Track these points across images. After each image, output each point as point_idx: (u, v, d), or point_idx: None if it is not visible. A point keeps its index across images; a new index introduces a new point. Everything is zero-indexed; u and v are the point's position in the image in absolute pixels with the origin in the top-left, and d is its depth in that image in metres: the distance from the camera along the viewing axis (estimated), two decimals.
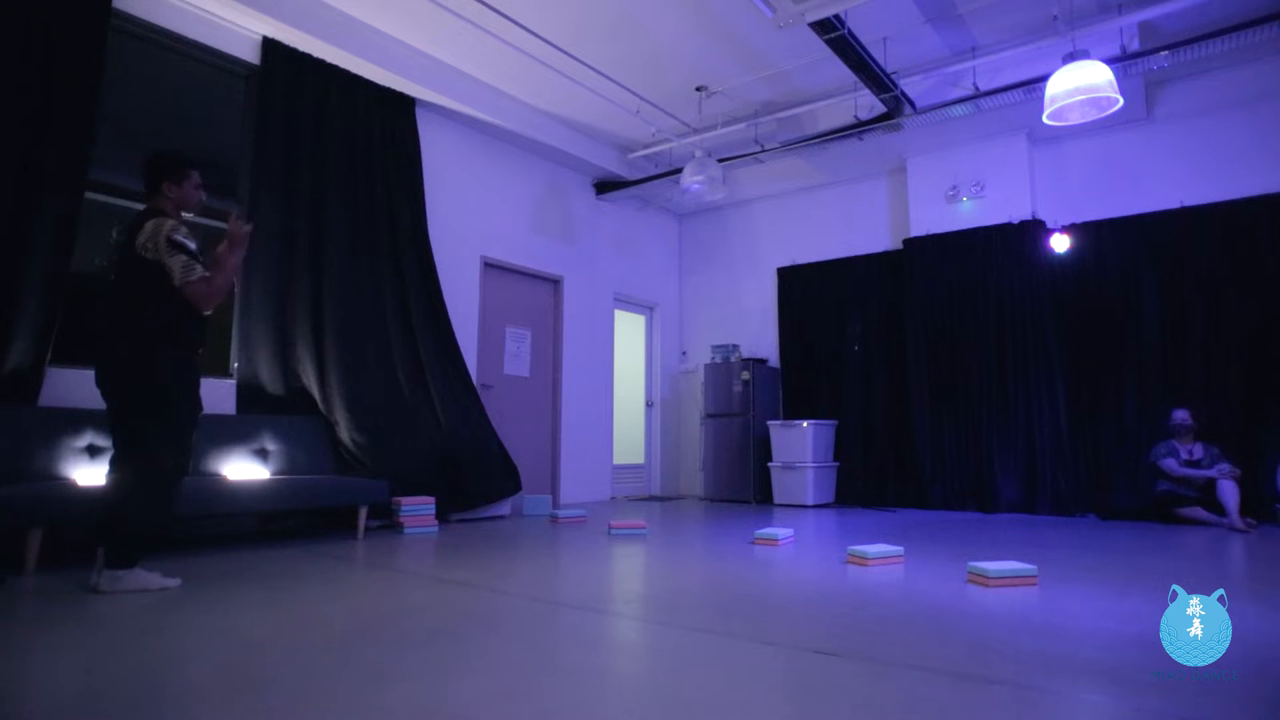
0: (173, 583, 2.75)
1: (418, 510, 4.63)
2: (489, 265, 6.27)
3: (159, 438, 2.71)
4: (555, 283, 6.97)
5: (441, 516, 4.92)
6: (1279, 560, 3.72)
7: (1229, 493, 4.94)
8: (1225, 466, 5.05)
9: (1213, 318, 5.59)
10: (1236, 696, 1.64)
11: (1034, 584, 2.92)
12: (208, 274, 2.77)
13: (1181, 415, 5.33)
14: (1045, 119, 4.58)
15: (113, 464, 2.79)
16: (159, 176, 2.89)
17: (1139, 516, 5.46)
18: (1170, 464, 5.28)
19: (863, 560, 3.41)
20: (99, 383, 2.76)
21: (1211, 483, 5.06)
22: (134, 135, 4.37)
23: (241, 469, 4.12)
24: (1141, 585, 2.95)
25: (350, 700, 1.59)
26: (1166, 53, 4.78)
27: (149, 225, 2.74)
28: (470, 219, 6.11)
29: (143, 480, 2.68)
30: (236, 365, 4.52)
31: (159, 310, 2.72)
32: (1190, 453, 5.29)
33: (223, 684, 1.70)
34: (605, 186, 7.38)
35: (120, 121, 4.22)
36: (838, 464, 7.04)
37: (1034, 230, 6.23)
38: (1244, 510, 4.91)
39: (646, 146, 6.93)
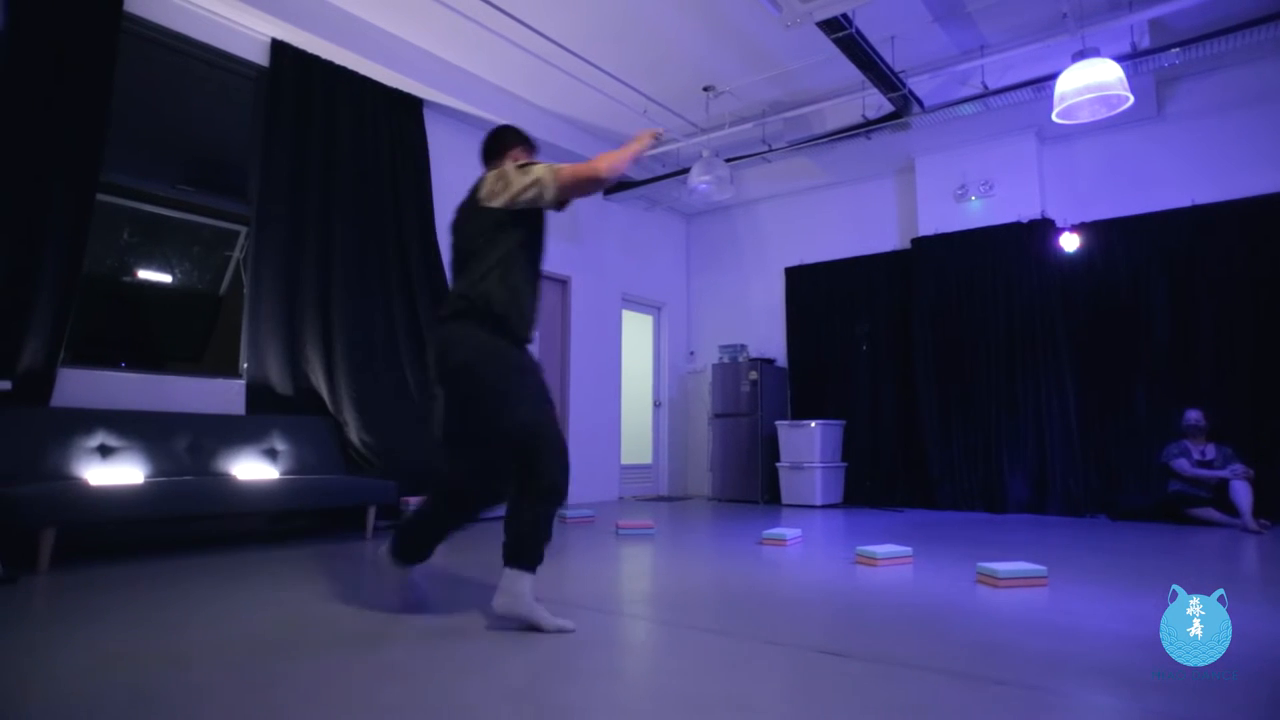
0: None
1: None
2: None
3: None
4: (563, 283, 6.98)
5: None
6: None
7: (1242, 493, 4.90)
8: (1239, 467, 5.01)
9: (1224, 318, 5.54)
10: (1242, 697, 1.63)
11: (1044, 585, 2.90)
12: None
13: (1195, 415, 5.29)
14: (1054, 117, 4.55)
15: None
16: (511, 142, 2.50)
17: (1150, 517, 5.42)
18: (1182, 464, 5.24)
19: (871, 561, 3.40)
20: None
21: (1224, 483, 5.03)
22: (143, 137, 4.40)
23: (251, 469, 4.14)
24: (1152, 586, 2.93)
25: (358, 698, 1.59)
26: (1178, 50, 4.74)
27: (490, 174, 2.32)
28: None
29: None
30: (246, 366, 4.55)
31: (501, 272, 2.24)
32: (1203, 453, 5.25)
33: (231, 682, 1.71)
34: (612, 186, 7.38)
35: (129, 123, 4.25)
36: (845, 464, 7.02)
37: (1043, 229, 6.19)
38: (1257, 511, 4.88)
39: (654, 147, 6.92)
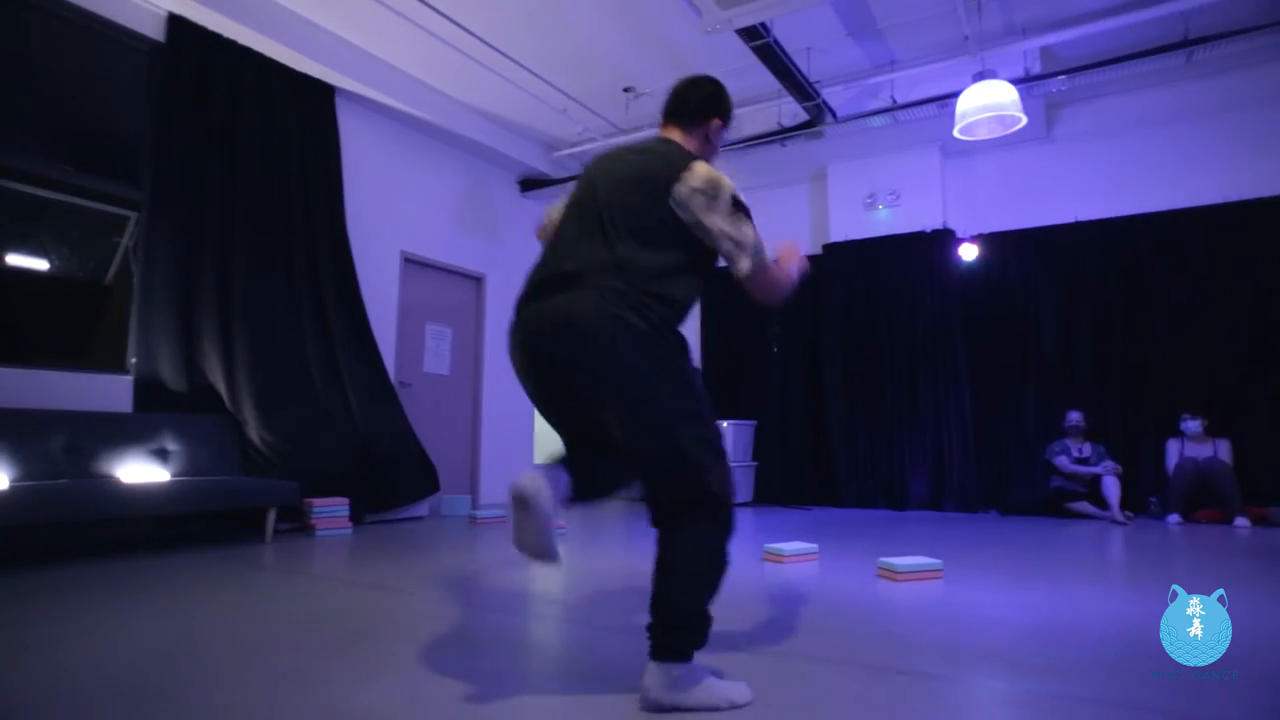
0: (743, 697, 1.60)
1: (330, 512, 4.47)
2: (409, 261, 6.11)
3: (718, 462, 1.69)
4: (478, 280, 6.85)
5: (356, 518, 4.77)
6: (1151, 549, 4.02)
7: (1111, 488, 5.33)
8: (1109, 464, 5.44)
9: (1101, 326, 5.99)
10: (1127, 676, 1.76)
11: (939, 577, 3.06)
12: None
13: (1075, 416, 5.71)
14: (956, 133, 4.81)
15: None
16: (713, 110, 1.93)
17: (1035, 511, 5.80)
18: (1062, 461, 5.64)
19: (778, 558, 3.49)
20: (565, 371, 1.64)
21: (1098, 479, 5.45)
22: (13, 109, 4.04)
23: (138, 470, 3.88)
24: (1035, 576, 3.13)
25: (256, 709, 1.52)
26: (1064, 77, 5.09)
27: (701, 169, 1.70)
28: (390, 213, 5.94)
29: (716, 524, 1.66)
30: (134, 360, 4.25)
31: (684, 291, 1.71)
32: (1080, 451, 5.66)
33: (118, 699, 1.60)
34: (530, 184, 7.30)
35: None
36: (756, 463, 7.18)
37: (944, 239, 6.52)
38: (1123, 504, 5.31)
39: (573, 145, 6.90)
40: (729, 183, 1.70)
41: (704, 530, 1.61)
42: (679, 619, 1.57)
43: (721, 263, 1.77)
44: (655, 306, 1.61)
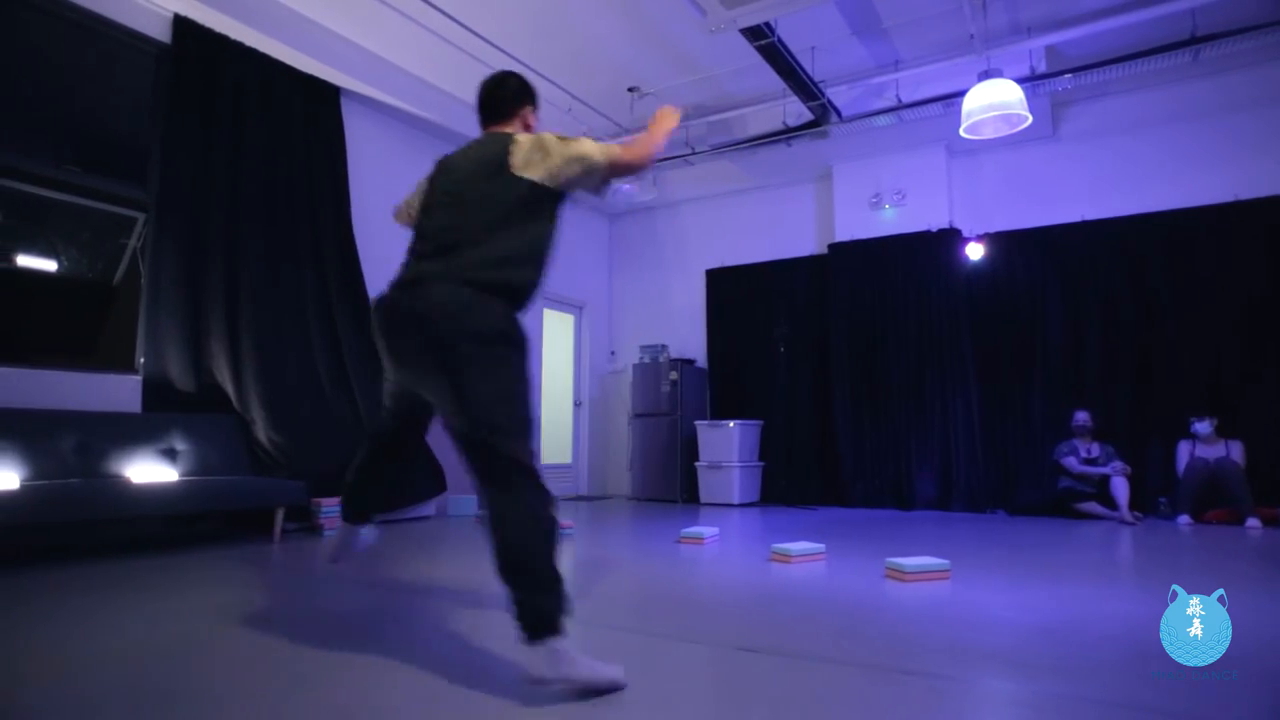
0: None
1: (338, 511, 4.47)
2: None
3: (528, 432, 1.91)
4: None
5: None
6: (1160, 550, 4.00)
7: (1120, 489, 5.30)
8: (1118, 464, 5.41)
9: (1108, 325, 5.97)
10: (1134, 677, 1.76)
11: (947, 578, 3.05)
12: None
13: (1083, 416, 5.68)
14: (962, 132, 4.80)
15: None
16: (523, 100, 2.18)
17: (1043, 512, 5.78)
18: (1071, 462, 5.62)
19: (786, 558, 3.49)
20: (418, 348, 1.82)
21: (1106, 479, 5.43)
22: (21, 109, 4.07)
23: (147, 470, 3.90)
24: (1042, 577, 3.12)
25: (266, 709, 1.52)
26: (1069, 76, 5.08)
27: (522, 137, 1.93)
28: None
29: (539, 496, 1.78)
30: (143, 360, 4.27)
31: (534, 254, 1.92)
32: (1089, 451, 5.64)
33: (125, 698, 1.61)
34: None
35: (6, 94, 3.92)
36: (763, 463, 7.18)
37: (950, 238, 6.50)
38: (1132, 504, 5.28)
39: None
40: (547, 134, 1.92)
41: (527, 498, 1.76)
42: (533, 585, 1.65)
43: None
44: (499, 297, 1.83)
